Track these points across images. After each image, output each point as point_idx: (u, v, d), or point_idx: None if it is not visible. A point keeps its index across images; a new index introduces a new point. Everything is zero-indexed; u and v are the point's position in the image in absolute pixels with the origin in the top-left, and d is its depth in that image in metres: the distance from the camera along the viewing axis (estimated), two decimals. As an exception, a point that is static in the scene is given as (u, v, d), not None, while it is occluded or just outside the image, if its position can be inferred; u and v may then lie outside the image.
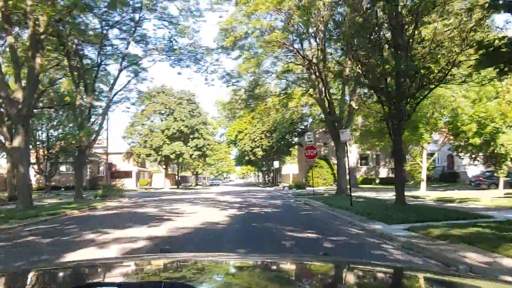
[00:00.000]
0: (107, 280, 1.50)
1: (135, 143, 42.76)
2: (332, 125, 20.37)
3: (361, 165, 51.20)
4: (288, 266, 1.81)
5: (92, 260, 2.39)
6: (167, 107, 41.75)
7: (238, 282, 1.47)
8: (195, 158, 43.96)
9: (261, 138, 48.48)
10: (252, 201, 19.86)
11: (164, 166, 45.30)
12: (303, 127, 50.04)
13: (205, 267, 1.72)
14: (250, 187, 56.74)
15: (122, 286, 1.21)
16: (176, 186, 54.46)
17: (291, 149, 51.24)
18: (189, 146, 42.20)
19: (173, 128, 41.09)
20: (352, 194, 20.41)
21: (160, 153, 41.78)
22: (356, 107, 19.90)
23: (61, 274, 1.66)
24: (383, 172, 51.15)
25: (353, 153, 40.12)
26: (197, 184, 71.71)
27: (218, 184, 79.62)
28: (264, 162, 60.60)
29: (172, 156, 41.35)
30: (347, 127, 19.91)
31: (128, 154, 43.27)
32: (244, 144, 49.81)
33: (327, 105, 20.99)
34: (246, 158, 52.62)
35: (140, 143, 42.32)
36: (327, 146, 51.60)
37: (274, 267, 1.75)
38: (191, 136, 42.74)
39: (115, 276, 1.62)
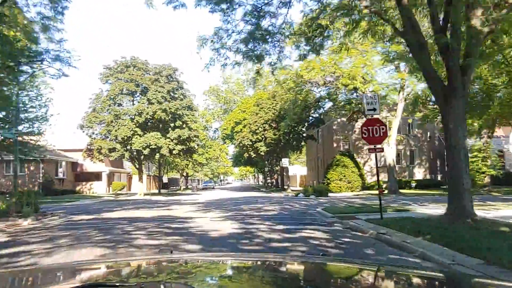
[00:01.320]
0: (107, 280, 1.47)
1: (97, 135, 31.91)
2: (432, 65, 9.50)
3: (391, 164, 40.44)
4: (289, 266, 1.77)
5: (92, 261, 2.30)
6: (139, 84, 30.92)
7: (239, 282, 1.45)
8: (178, 154, 33.14)
9: (265, 130, 37.74)
10: (262, 233, 9.08)
11: (137, 165, 34.43)
12: (316, 115, 39.35)
13: (206, 268, 1.70)
14: (250, 191, 46.00)
15: (123, 286, 1.18)
16: (157, 191, 43.65)
17: (301, 143, 40.42)
18: (168, 138, 31.39)
19: (147, 114, 30.29)
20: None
21: (128, 147, 30.96)
22: (486, 29, 9.06)
23: (61, 274, 1.63)
24: (419, 174, 40.45)
25: (391, 146, 29.44)
26: (187, 188, 60.85)
27: (213, 188, 68.78)
28: (267, 161, 49.80)
29: (145, 151, 30.53)
30: (467, 67, 9.09)
31: (89, 151, 32.41)
32: (243, 137, 39.03)
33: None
34: (246, 155, 41.77)
35: (102, 134, 31.47)
36: (347, 140, 40.93)
37: (275, 268, 1.73)
38: (172, 124, 31.92)
39: (115, 276, 1.60)
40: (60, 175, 40.60)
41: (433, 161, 42.47)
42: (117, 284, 1.19)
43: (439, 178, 41.95)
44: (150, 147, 30.34)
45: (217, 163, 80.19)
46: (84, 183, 44.38)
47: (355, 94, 30.20)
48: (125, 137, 30.05)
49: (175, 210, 17.02)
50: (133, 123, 30.46)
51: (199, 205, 20.04)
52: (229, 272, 1.69)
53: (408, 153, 40.07)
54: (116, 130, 29.97)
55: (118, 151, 30.33)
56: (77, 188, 43.74)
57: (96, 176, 44.53)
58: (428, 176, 40.61)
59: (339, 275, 1.63)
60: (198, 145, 51.28)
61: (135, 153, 32.71)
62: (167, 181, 68.05)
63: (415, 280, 1.52)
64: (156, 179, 53.05)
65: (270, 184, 56.20)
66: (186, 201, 24.24)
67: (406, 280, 1.53)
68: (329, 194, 28.22)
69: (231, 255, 3.01)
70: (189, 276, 1.52)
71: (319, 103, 35.62)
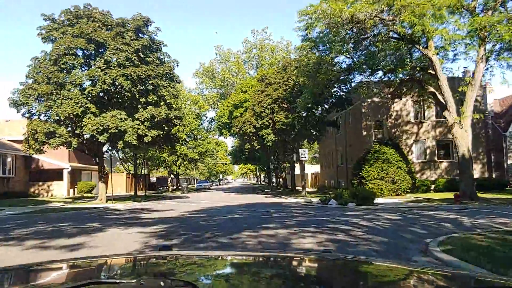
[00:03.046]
0: (106, 277, 1.44)
1: (35, 115, 22.25)
2: None
3: (438, 158, 30.80)
4: (290, 263, 1.73)
5: (91, 257, 2.05)
6: (92, 39, 21.21)
7: (239, 278, 1.42)
8: (153, 142, 23.49)
9: (273, 112, 28.11)
10: None
11: (95, 158, 24.82)
12: (341, 93, 29.65)
13: (205, 264, 1.67)
14: (252, 193, 36.44)
15: (122, 283, 1.15)
16: (133, 193, 34.01)
17: (321, 131, 30.63)
18: (137, 119, 21.76)
19: (103, 82, 20.66)
20: None
21: (78, 130, 21.33)
22: None
23: (59, 271, 1.59)
24: (474, 171, 30.68)
25: (465, 129, 19.64)
26: (177, 189, 51.17)
27: (208, 188, 59.18)
28: (274, 156, 40.16)
29: (102, 138, 20.88)
30: None
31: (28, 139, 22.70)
32: (244, 123, 29.41)
33: None
34: (247, 146, 32.14)
35: (41, 113, 21.86)
36: (380, 128, 31.25)
37: (275, 264, 1.69)
38: (142, 100, 22.27)
39: (114, 273, 1.55)
40: (5, 173, 31.01)
41: (488, 155, 32.78)
42: (117, 281, 1.17)
43: (493, 176, 32.37)
44: (110, 131, 20.72)
45: (214, 160, 70.62)
46: (41, 183, 34.82)
47: (408, 50, 20.49)
48: (72, 117, 20.43)
49: (86, 249, 7.41)
50: (84, 96, 20.81)
51: (161, 228, 10.39)
52: (231, 268, 1.65)
53: (461, 143, 30.28)
54: (58, 106, 20.33)
55: (60, 137, 20.65)
56: (32, 190, 34.20)
57: (58, 175, 34.98)
58: (486, 175, 30.98)
59: (340, 270, 1.58)
60: (186, 135, 41.72)
61: (95, 141, 23.09)
62: (155, 181, 58.53)
63: (423, 278, 1.43)
64: (141, 179, 43.26)
65: (276, 184, 46.58)
66: (150, 215, 14.62)
67: (408, 276, 1.46)
68: (376, 201, 18.54)
69: (232, 253, 2.98)
70: (189, 272, 1.49)
71: (348, 76, 25.75)
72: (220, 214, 13.97)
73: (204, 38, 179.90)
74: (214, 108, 48.51)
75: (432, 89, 20.63)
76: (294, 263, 1.72)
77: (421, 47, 19.17)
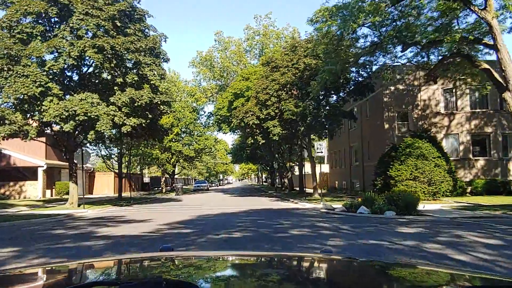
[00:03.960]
0: (108, 278, 1.44)
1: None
2: None
3: (473, 156, 26.36)
4: (290, 263, 1.73)
5: (92, 258, 2.10)
6: (56, 1, 16.83)
7: (240, 279, 1.40)
8: (131, 132, 19.06)
9: (280, 99, 23.69)
10: None
11: (65, 154, 20.46)
12: (360, 79, 25.15)
13: (206, 265, 1.64)
14: (255, 195, 32.04)
15: (123, 284, 1.15)
16: (118, 195, 29.59)
17: (338, 123, 25.98)
18: (113, 103, 17.36)
19: (67, 55, 16.30)
20: None
21: (36, 117, 16.97)
22: None
23: (61, 273, 1.56)
24: (517, 169, 26.18)
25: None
26: (172, 190, 46.73)
27: (207, 189, 54.72)
28: (278, 153, 35.77)
29: (67, 126, 16.51)
30: None
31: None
32: (246, 113, 24.99)
33: None
34: (250, 141, 27.69)
35: (-10, 95, 17.46)
36: (406, 119, 26.89)
37: (276, 265, 1.66)
38: (119, 80, 17.83)
39: (116, 274, 1.56)
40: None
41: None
42: (119, 282, 1.18)
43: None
44: (77, 118, 16.34)
45: (213, 159, 66.25)
46: (12, 183, 30.45)
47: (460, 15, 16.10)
48: (26, 98, 16.06)
49: None
50: (44, 73, 16.43)
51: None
52: (233, 269, 1.63)
53: (500, 138, 25.89)
54: (10, 86, 15.94)
55: (11, 124, 16.22)
56: (2, 191, 29.85)
57: (32, 173, 30.62)
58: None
59: (340, 270, 1.59)
60: (181, 130, 37.41)
61: (63, 131, 18.71)
62: (148, 181, 54.15)
63: (417, 275, 1.42)
64: (132, 179, 38.85)
65: (281, 185, 42.17)
66: (112, 231, 10.25)
67: (407, 274, 1.43)
68: (423, 207, 14.11)
69: (234, 253, 2.91)
70: (191, 273, 1.45)
71: (370, 58, 21.17)
72: (212, 230, 9.57)
73: (203, 33, 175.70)
74: (212, 101, 44.12)
75: (485, 66, 16.20)
76: (294, 262, 1.71)
77: (476, 8, 14.77)
